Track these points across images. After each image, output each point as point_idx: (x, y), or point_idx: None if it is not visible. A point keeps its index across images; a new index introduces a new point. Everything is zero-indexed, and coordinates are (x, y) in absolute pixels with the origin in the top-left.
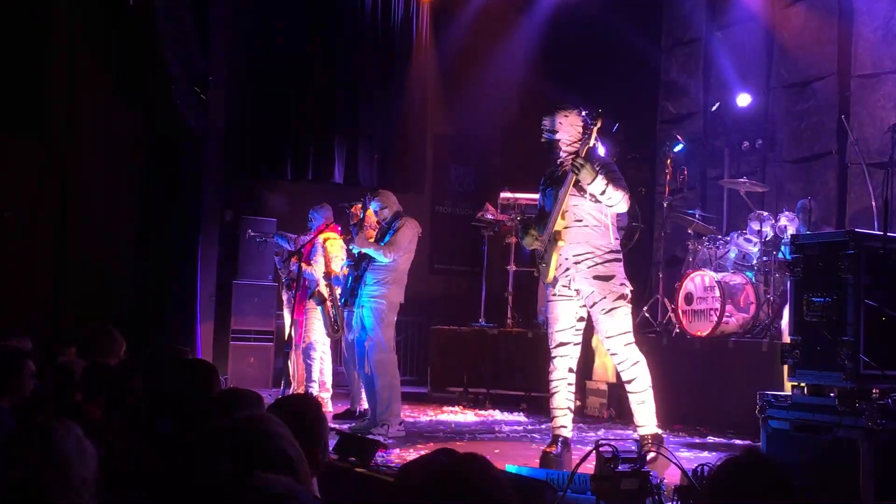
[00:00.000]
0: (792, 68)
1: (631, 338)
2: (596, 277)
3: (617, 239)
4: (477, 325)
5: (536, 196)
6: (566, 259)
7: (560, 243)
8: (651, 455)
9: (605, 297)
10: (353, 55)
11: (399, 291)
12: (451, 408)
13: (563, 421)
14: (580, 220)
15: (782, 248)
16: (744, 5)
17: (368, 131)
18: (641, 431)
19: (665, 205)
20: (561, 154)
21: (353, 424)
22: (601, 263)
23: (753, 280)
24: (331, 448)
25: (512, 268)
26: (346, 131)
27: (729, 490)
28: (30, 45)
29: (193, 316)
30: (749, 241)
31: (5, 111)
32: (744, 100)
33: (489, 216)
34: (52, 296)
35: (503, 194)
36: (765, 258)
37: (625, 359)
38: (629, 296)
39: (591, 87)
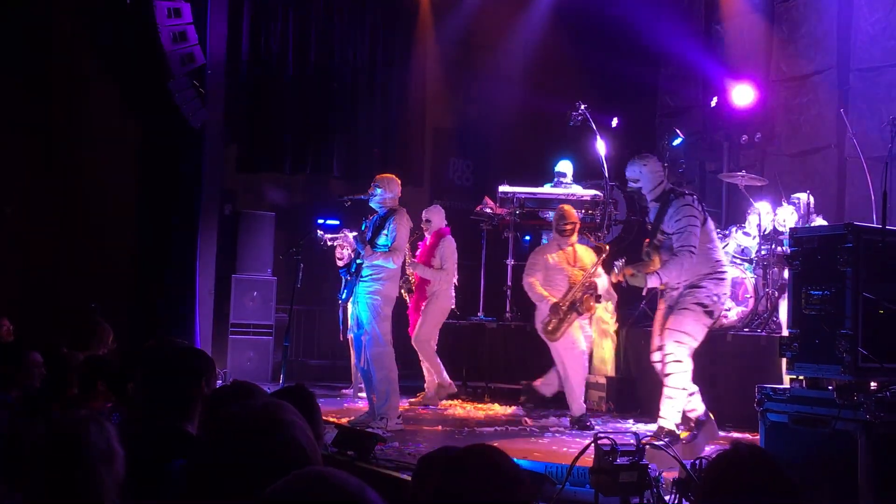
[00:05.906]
0: (791, 62)
1: (686, 340)
2: (688, 287)
3: (718, 261)
4: (476, 318)
5: (535, 190)
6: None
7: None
8: (662, 442)
9: (685, 297)
10: (352, 48)
11: (393, 286)
12: (450, 401)
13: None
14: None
15: (782, 241)
16: None
17: (367, 125)
18: (660, 423)
19: None
20: (647, 199)
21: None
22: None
23: (752, 274)
24: (329, 442)
25: (510, 262)
26: (345, 125)
27: (724, 485)
28: (31, 41)
29: (192, 309)
30: (747, 234)
31: (6, 107)
32: (743, 93)
33: (488, 210)
34: (51, 290)
35: (502, 188)
36: (763, 252)
37: (670, 352)
38: (712, 310)
39: (590, 81)
